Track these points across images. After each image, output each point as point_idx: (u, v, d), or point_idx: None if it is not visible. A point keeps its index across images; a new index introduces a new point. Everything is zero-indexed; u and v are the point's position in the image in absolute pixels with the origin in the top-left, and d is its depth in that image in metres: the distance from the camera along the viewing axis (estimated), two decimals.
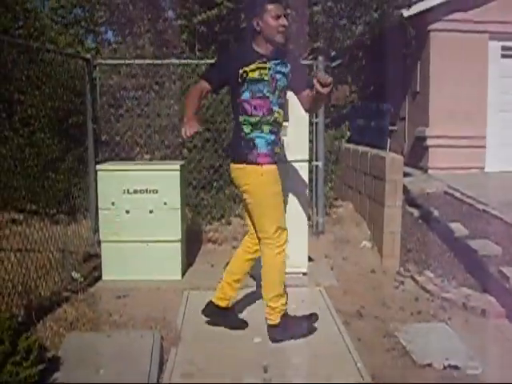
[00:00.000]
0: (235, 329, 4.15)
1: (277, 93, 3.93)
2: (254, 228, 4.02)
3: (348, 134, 8.46)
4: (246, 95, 3.84)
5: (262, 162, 3.85)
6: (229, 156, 4.15)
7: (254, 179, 3.86)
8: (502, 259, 5.63)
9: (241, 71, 3.79)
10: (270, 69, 3.88)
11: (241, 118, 3.88)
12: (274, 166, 3.93)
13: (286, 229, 3.95)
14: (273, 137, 3.93)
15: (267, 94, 3.89)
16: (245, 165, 3.86)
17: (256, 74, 3.82)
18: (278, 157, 4.03)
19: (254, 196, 3.90)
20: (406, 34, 9.34)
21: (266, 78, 3.87)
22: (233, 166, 3.97)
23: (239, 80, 3.80)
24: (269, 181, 3.88)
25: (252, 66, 3.82)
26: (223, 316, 4.21)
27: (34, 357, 3.03)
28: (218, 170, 7.01)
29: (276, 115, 3.93)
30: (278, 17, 3.82)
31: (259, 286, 4.73)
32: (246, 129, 3.87)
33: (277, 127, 3.97)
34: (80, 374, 3.30)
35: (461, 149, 9.31)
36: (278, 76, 3.93)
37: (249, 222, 4.14)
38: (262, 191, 3.88)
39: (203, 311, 4.23)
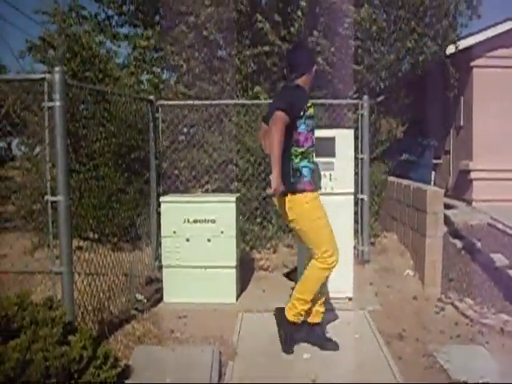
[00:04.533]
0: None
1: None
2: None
3: (387, 168, 8.79)
4: (302, 128, 4.28)
5: (308, 189, 4.29)
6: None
7: (301, 207, 4.28)
8: None
9: (305, 106, 4.28)
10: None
11: (292, 149, 4.26)
12: (316, 193, 4.38)
13: (336, 249, 4.36)
14: (313, 165, 4.43)
15: (314, 128, 4.41)
16: (290, 196, 4.27)
17: (312, 110, 4.36)
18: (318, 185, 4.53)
19: (301, 223, 4.33)
20: (449, 70, 9.63)
21: (314, 115, 4.41)
22: (278, 198, 4.38)
23: (301, 114, 4.25)
24: (314, 206, 4.31)
25: (310, 103, 4.34)
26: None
27: (111, 362, 3.49)
28: (268, 201, 7.43)
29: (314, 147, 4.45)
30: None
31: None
32: (296, 159, 4.28)
33: (313, 157, 4.45)
34: (149, 381, 3.74)
35: (504, 181, 9.47)
36: None
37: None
38: (308, 217, 4.30)
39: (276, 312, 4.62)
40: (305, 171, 4.31)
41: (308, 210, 4.29)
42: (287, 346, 4.43)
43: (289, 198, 4.28)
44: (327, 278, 4.39)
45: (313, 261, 4.36)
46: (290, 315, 4.41)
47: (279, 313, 4.52)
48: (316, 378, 3.91)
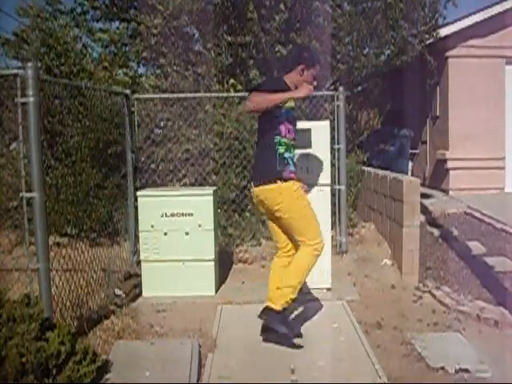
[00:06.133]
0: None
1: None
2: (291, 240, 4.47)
3: (364, 159, 8.84)
4: (283, 118, 4.28)
5: (294, 177, 4.34)
6: (256, 178, 4.45)
7: (290, 195, 4.27)
8: None
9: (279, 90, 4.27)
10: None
11: (276, 139, 4.28)
12: (299, 183, 4.42)
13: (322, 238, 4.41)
14: (294, 158, 4.45)
15: (295, 122, 4.42)
16: (279, 183, 4.25)
17: (292, 102, 4.35)
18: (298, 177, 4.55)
19: (291, 211, 4.31)
20: (425, 60, 9.70)
21: (294, 108, 4.43)
22: (263, 187, 4.32)
23: (280, 104, 4.23)
24: (301, 194, 4.36)
25: None
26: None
27: (90, 357, 3.49)
28: (247, 194, 7.44)
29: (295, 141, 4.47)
30: (314, 78, 4.45)
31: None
32: (281, 149, 4.29)
33: (294, 151, 4.48)
34: (129, 375, 3.74)
35: (481, 170, 9.62)
36: None
37: (279, 238, 4.54)
38: (298, 204, 4.31)
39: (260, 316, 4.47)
40: (290, 161, 4.35)
41: (297, 198, 4.31)
42: (289, 340, 4.36)
43: (275, 185, 4.26)
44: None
45: (303, 248, 4.33)
46: (278, 305, 4.33)
47: (266, 314, 4.41)
48: (295, 369, 3.94)
